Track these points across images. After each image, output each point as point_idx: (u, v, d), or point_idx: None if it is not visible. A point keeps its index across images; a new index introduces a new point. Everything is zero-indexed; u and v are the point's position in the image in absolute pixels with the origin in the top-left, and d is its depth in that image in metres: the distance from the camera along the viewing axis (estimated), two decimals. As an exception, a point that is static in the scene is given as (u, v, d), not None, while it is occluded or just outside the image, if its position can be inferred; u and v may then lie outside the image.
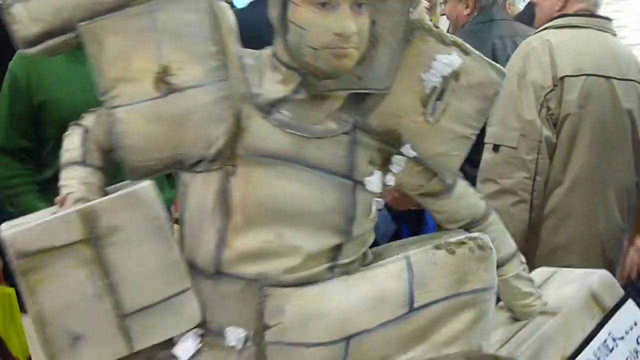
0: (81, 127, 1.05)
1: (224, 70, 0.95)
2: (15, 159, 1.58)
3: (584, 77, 1.65)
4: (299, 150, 0.96)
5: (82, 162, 1.01)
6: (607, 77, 1.67)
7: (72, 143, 1.04)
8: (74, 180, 0.99)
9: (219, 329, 0.97)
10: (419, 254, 1.02)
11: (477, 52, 1.00)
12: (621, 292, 1.24)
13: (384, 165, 1.02)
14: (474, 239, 1.05)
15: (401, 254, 1.03)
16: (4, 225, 0.97)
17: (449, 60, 0.96)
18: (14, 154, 1.58)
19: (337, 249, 0.99)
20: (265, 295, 0.95)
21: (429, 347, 1.02)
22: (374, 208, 1.04)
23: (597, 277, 1.26)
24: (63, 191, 0.97)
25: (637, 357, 1.23)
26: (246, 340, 0.97)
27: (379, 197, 1.03)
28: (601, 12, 1.89)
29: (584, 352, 1.13)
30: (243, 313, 0.97)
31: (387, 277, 1.00)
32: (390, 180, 1.03)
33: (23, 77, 1.52)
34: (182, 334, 0.96)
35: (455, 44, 0.97)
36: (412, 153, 1.00)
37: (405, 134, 0.99)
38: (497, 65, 1.02)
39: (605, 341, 1.18)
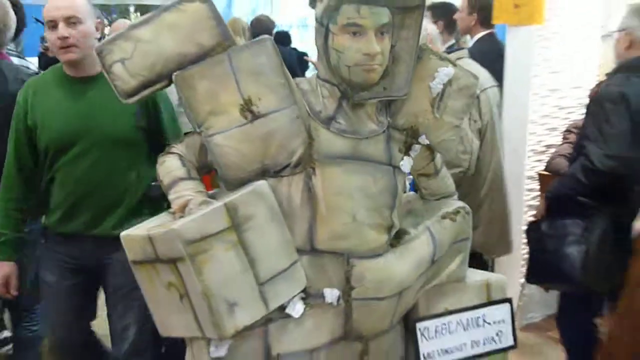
0: (173, 154, 1.30)
1: (292, 96, 1.23)
2: (19, 177, 1.74)
3: (484, 91, 2.19)
4: (356, 149, 1.27)
5: (188, 177, 1.26)
6: (491, 87, 2.25)
7: (172, 165, 1.28)
8: (188, 191, 1.22)
9: (316, 292, 1.25)
10: (436, 225, 1.40)
11: (459, 64, 1.39)
12: (506, 295, 1.57)
13: (406, 152, 1.36)
14: (463, 207, 1.46)
15: (423, 226, 1.39)
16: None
17: (447, 71, 1.32)
18: (19, 171, 1.73)
19: (390, 222, 1.31)
20: (352, 266, 1.25)
21: (438, 281, 1.44)
22: (407, 184, 1.39)
23: (497, 277, 1.58)
24: (179, 201, 1.21)
25: (488, 343, 1.55)
26: (339, 298, 1.26)
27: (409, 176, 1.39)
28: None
29: (460, 314, 1.47)
30: (334, 279, 1.25)
31: (421, 247, 1.36)
32: (411, 162, 1.37)
33: (22, 103, 1.70)
34: (290, 299, 1.21)
35: (447, 59, 1.35)
36: (426, 141, 1.36)
37: (421, 128, 1.35)
38: (473, 72, 1.40)
39: (477, 318, 1.51)
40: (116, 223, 1.67)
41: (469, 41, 2.87)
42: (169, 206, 1.31)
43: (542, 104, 2.76)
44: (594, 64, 3.00)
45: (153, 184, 1.66)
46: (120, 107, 1.43)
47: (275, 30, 4.86)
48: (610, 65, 2.42)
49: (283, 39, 5.04)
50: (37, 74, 2.08)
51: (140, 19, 1.25)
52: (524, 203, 2.72)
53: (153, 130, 1.73)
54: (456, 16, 2.78)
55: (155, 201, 1.69)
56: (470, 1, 2.68)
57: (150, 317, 1.35)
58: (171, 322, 1.20)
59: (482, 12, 2.67)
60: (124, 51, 1.21)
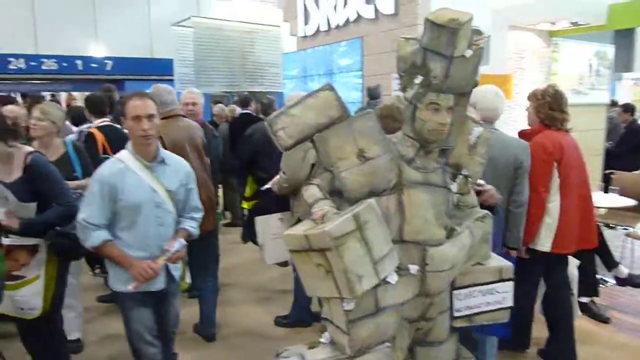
0: (312, 184, 1.79)
1: (388, 146, 1.74)
2: None
3: None
4: (426, 178, 1.77)
5: (324, 198, 1.74)
6: None
7: (313, 191, 1.76)
8: (325, 206, 1.69)
9: (404, 267, 1.73)
10: (472, 225, 1.89)
11: (483, 124, 1.92)
12: (511, 277, 1.99)
13: (454, 179, 1.88)
14: (488, 213, 1.97)
15: (464, 225, 1.87)
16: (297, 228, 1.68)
17: (478, 130, 1.86)
18: None
19: (446, 222, 1.82)
20: (426, 250, 1.74)
21: (472, 260, 1.93)
22: (455, 199, 1.91)
23: (507, 264, 1.99)
24: (320, 212, 1.66)
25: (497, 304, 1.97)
26: (418, 271, 1.76)
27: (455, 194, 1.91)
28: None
29: (481, 286, 1.94)
30: (415, 258, 1.75)
31: (465, 239, 1.85)
32: (456, 186, 1.90)
33: None
34: (390, 272, 1.67)
35: (478, 122, 1.88)
36: (466, 172, 1.90)
37: (463, 164, 1.88)
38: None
39: (491, 289, 1.96)
40: None
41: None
42: None
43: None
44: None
45: None
46: None
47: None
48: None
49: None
50: None
51: (292, 102, 1.76)
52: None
53: None
54: None
55: None
56: None
57: None
58: (317, 287, 1.66)
59: None
60: (284, 122, 1.72)
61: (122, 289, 2.29)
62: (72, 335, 3.25)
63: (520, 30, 4.48)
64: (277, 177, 3.33)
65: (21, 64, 12.98)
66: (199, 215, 2.53)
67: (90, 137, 3.71)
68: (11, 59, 12.79)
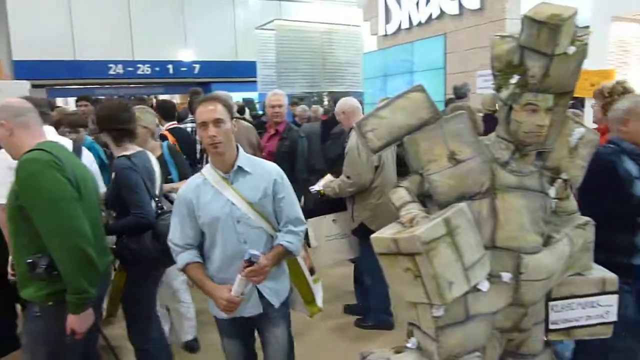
0: (400, 187, 1.78)
1: (480, 148, 1.68)
2: None
3: None
4: (522, 182, 1.69)
5: (413, 201, 1.73)
6: None
7: (401, 194, 1.75)
8: (414, 209, 1.68)
9: (496, 274, 1.67)
10: (571, 232, 1.78)
11: (587, 126, 1.80)
12: (616, 289, 1.86)
13: (551, 184, 1.78)
14: (589, 221, 1.84)
15: (563, 233, 1.77)
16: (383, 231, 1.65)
17: (580, 130, 1.74)
18: None
19: (543, 229, 1.72)
20: (521, 258, 1.66)
21: (571, 270, 1.80)
22: (553, 205, 1.81)
23: (611, 275, 1.86)
24: (408, 215, 1.65)
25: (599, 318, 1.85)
26: (512, 279, 1.68)
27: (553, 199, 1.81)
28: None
29: (581, 298, 1.83)
30: (508, 266, 1.67)
31: (563, 247, 1.74)
32: (554, 191, 1.79)
33: None
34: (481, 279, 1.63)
35: (579, 123, 1.77)
36: (566, 177, 1.78)
37: (562, 168, 1.77)
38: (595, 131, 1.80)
39: (593, 301, 1.84)
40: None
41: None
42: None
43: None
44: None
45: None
46: None
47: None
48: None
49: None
50: None
51: (381, 104, 1.75)
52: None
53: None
54: None
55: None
56: None
57: None
58: (405, 292, 1.64)
59: None
60: (373, 124, 1.72)
61: (216, 314, 2.14)
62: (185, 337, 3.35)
63: (625, 21, 4.13)
64: (326, 179, 3.42)
65: (119, 69, 14.14)
66: (300, 227, 2.13)
67: (162, 138, 4.19)
68: (111, 65, 13.97)
